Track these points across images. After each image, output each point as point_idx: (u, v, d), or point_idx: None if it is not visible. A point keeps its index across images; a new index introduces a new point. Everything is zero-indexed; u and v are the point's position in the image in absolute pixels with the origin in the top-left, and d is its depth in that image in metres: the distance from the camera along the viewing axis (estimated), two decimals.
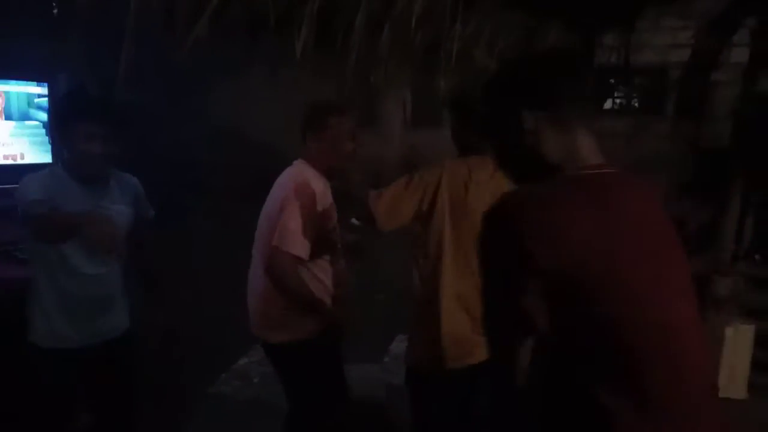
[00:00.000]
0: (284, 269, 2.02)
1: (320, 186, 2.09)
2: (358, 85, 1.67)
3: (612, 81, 8.13)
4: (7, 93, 2.69)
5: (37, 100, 2.82)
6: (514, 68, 1.25)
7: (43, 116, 2.84)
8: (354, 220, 2.23)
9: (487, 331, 1.27)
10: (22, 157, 2.77)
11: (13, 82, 2.71)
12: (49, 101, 2.80)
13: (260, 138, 3.94)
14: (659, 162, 3.32)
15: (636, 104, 8.50)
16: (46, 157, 2.83)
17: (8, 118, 2.71)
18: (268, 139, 3.58)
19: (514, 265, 1.11)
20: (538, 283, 1.08)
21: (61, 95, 1.91)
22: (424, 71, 1.82)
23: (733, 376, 2.09)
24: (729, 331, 2.06)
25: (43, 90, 2.79)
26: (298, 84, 1.66)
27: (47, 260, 1.87)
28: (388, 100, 2.67)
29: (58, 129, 1.86)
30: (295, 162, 2.17)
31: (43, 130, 2.84)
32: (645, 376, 1.08)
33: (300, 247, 2.01)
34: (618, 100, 8.32)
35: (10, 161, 2.73)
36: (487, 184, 2.34)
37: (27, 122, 2.79)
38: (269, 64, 1.64)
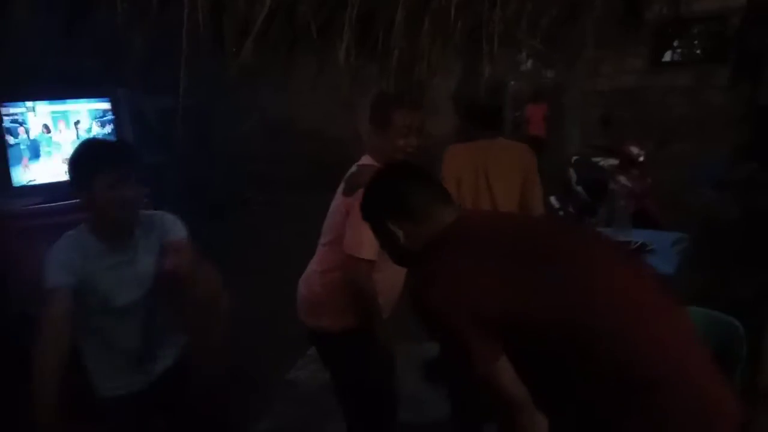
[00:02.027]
0: (361, 278, 2.04)
1: None
2: (402, 80, 1.69)
3: (667, 32, 7.77)
4: (77, 112, 2.85)
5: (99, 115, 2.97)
6: (373, 191, 1.54)
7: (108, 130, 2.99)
8: None
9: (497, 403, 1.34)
10: None
11: (82, 100, 2.87)
12: (114, 115, 2.95)
13: (312, 129, 4.02)
14: (719, 120, 3.18)
15: (698, 52, 8.11)
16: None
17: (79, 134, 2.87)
18: (320, 129, 3.64)
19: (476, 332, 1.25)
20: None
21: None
22: (468, 59, 1.82)
23: None
24: None
25: (105, 105, 2.94)
26: (344, 80, 1.70)
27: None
28: (433, 91, 2.67)
29: (77, 188, 1.74)
30: (362, 158, 2.19)
31: None
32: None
33: (372, 251, 2.01)
34: (678, 50, 7.95)
35: None
36: (501, 157, 2.56)
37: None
38: (316, 66, 1.68)
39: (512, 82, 9.40)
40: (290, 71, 2.02)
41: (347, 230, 2.07)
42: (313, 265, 2.30)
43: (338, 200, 2.19)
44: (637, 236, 3.34)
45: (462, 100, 2.61)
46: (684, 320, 1.32)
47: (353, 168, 2.16)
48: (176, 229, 1.91)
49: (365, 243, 2.00)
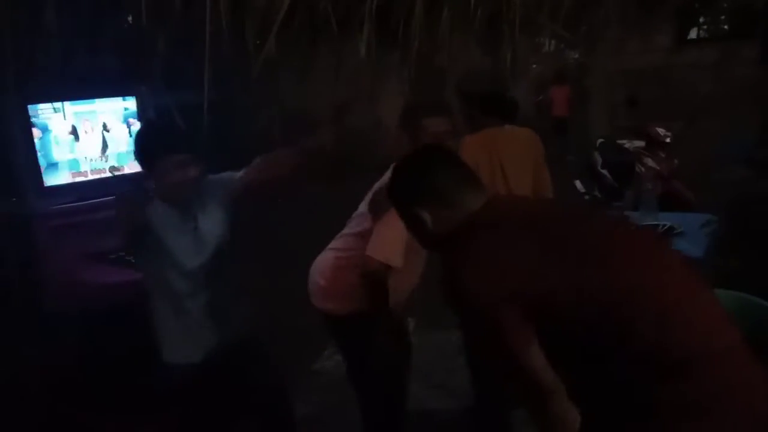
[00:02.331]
0: (376, 279, 2.07)
1: None
2: (423, 69, 1.69)
3: (693, 8, 7.59)
4: (102, 111, 2.89)
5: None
6: (400, 175, 1.55)
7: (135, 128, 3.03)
8: None
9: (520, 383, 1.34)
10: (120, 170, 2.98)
11: (107, 99, 2.91)
12: (139, 113, 2.99)
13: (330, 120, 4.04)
14: (747, 96, 3.11)
15: (725, 27, 7.92)
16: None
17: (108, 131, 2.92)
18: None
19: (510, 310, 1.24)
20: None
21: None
22: (488, 47, 1.81)
23: None
24: None
25: (131, 104, 2.98)
26: (365, 72, 1.70)
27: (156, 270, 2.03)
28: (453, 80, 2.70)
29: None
30: (392, 167, 2.20)
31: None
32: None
33: (395, 255, 2.05)
34: (704, 27, 7.77)
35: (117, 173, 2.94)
36: (512, 144, 2.61)
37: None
38: (335, 59, 1.69)
39: (534, 66, 9.29)
40: (311, 64, 2.03)
41: (374, 231, 2.09)
42: (329, 250, 2.35)
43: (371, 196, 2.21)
44: (665, 219, 3.29)
45: (466, 90, 2.62)
46: (715, 302, 1.31)
47: (382, 181, 2.17)
48: (224, 179, 2.16)
49: (389, 248, 2.05)
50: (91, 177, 2.85)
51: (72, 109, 2.77)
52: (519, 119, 2.88)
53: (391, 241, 2.10)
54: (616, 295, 1.23)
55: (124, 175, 2.98)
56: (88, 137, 2.84)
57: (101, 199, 2.79)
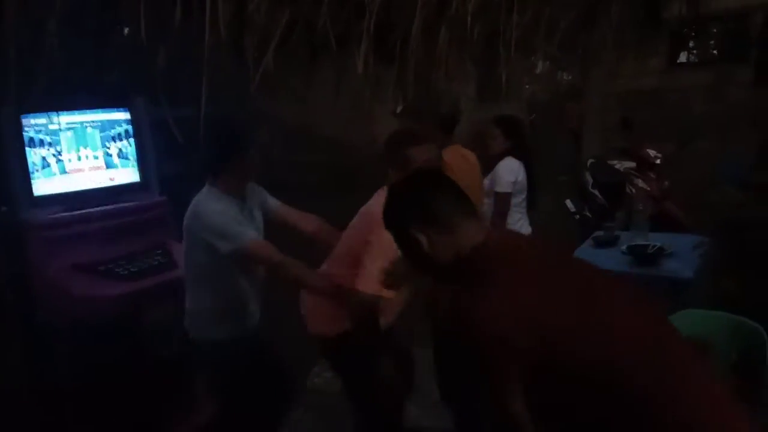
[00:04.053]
0: (367, 308, 2.12)
1: None
2: (420, 87, 1.70)
3: (685, 32, 7.71)
4: (97, 122, 2.88)
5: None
6: (397, 196, 1.54)
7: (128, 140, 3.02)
8: None
9: None
10: (109, 180, 2.96)
11: (102, 110, 2.90)
12: (133, 125, 2.98)
13: (330, 136, 4.06)
14: (741, 119, 3.15)
15: (715, 53, 8.03)
16: (134, 176, 3.03)
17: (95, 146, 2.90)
18: (334, 136, 3.67)
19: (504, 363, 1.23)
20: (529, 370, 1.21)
21: (213, 130, 2.23)
22: (485, 65, 1.83)
23: None
24: None
25: (124, 115, 2.98)
26: (362, 88, 1.71)
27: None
28: (451, 97, 2.79)
29: (223, 160, 2.27)
30: (378, 191, 2.23)
31: (128, 153, 3.02)
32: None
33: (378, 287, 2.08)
34: (694, 52, 7.88)
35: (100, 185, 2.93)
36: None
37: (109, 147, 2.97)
38: (333, 75, 1.71)
39: (527, 86, 9.38)
40: (309, 80, 2.06)
41: (367, 263, 2.11)
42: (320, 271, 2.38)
43: (362, 222, 2.22)
44: (655, 240, 3.31)
45: (416, 110, 2.79)
46: (703, 363, 1.31)
47: (374, 201, 2.22)
48: (262, 192, 2.53)
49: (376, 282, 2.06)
50: (82, 187, 2.83)
51: (66, 119, 2.75)
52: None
53: (380, 274, 2.13)
54: (623, 357, 1.21)
55: (117, 186, 2.97)
56: (81, 148, 2.83)
57: (93, 209, 2.79)
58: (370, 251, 2.10)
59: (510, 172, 3.33)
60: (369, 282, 2.08)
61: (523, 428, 1.25)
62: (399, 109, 2.84)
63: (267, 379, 2.60)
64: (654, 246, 3.19)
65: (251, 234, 2.26)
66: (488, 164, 3.38)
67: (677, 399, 1.18)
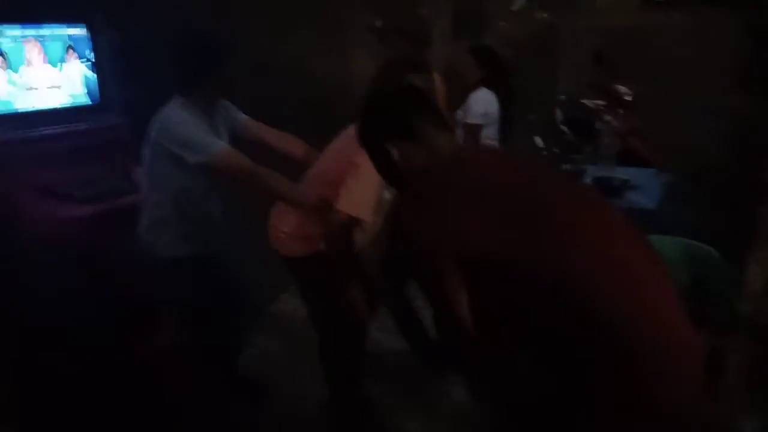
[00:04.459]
0: (343, 231, 2.15)
1: None
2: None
3: None
4: (43, 38, 2.72)
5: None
6: (372, 107, 1.55)
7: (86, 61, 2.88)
8: None
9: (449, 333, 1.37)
10: (67, 100, 2.84)
11: (55, 25, 2.74)
12: (92, 43, 2.83)
13: (302, 70, 3.98)
14: (718, 62, 3.15)
15: None
16: (93, 97, 2.90)
17: (52, 63, 2.76)
18: (310, 69, 3.59)
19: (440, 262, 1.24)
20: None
21: (184, 43, 2.25)
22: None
23: None
24: None
25: (81, 31, 2.82)
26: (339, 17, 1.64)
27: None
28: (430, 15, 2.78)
29: (194, 74, 2.20)
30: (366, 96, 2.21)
31: (83, 72, 2.88)
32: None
33: (367, 211, 2.13)
34: None
35: (57, 105, 2.80)
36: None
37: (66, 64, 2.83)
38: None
39: (502, 23, 9.20)
40: (283, 10, 1.99)
41: (351, 184, 2.09)
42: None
43: (347, 144, 2.19)
44: (620, 173, 3.35)
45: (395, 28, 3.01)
46: (653, 260, 1.32)
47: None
48: (234, 110, 2.47)
49: (361, 203, 2.11)
50: (37, 106, 2.71)
51: (15, 32, 2.60)
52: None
53: (363, 197, 2.12)
54: (562, 259, 1.22)
55: (74, 106, 2.86)
56: (33, 62, 2.69)
57: (48, 130, 2.68)
58: (355, 173, 2.09)
59: (481, 103, 3.29)
60: (351, 202, 2.08)
61: (467, 334, 1.28)
62: (378, 23, 2.79)
63: (229, 300, 2.59)
64: (619, 179, 3.22)
65: (220, 143, 2.20)
66: (464, 96, 3.34)
67: (626, 303, 1.21)
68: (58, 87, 2.78)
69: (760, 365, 1.99)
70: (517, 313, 1.25)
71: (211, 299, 2.44)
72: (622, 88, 4.57)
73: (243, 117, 2.51)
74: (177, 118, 2.18)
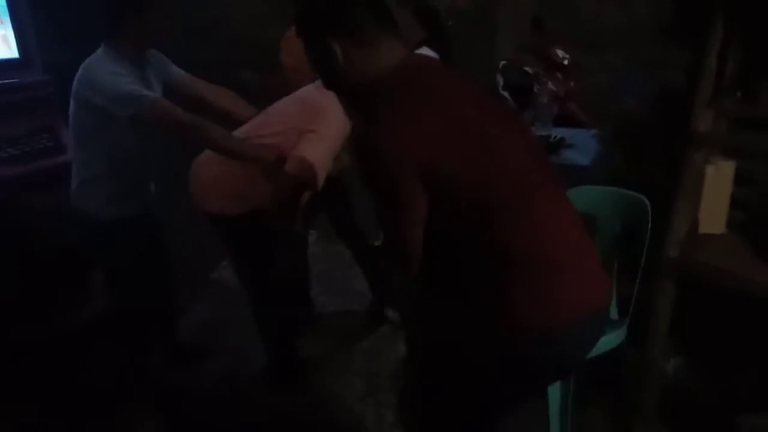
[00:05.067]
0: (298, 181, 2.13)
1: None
2: None
3: None
4: None
5: None
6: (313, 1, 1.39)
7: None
8: None
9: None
10: None
11: None
12: None
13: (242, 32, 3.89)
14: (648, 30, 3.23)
15: None
16: (11, 52, 2.73)
17: None
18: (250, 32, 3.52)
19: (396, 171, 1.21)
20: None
21: None
22: None
23: (712, 213, 2.14)
24: (709, 169, 2.08)
25: None
26: None
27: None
28: None
29: (118, 15, 2.05)
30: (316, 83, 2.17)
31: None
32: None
33: (325, 169, 2.16)
34: None
35: None
36: None
37: None
38: None
39: None
40: None
41: (313, 139, 2.07)
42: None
43: (304, 111, 2.16)
44: (557, 132, 3.42)
45: None
46: (563, 200, 1.37)
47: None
48: (169, 64, 2.34)
49: (324, 159, 2.11)
50: None
51: None
52: None
53: (326, 154, 2.10)
54: (492, 181, 1.25)
55: None
56: None
57: None
58: (314, 137, 2.07)
59: None
60: (317, 155, 2.08)
61: (415, 249, 1.30)
62: None
63: (164, 266, 2.52)
64: (555, 137, 3.29)
65: (152, 94, 2.07)
66: None
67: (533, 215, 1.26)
68: None
69: (682, 310, 2.09)
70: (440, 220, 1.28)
71: (145, 264, 2.36)
72: (560, 53, 4.65)
73: (177, 70, 2.35)
74: (103, 69, 2.02)
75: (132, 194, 2.29)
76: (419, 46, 3.33)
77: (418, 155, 1.20)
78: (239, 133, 2.23)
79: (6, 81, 2.66)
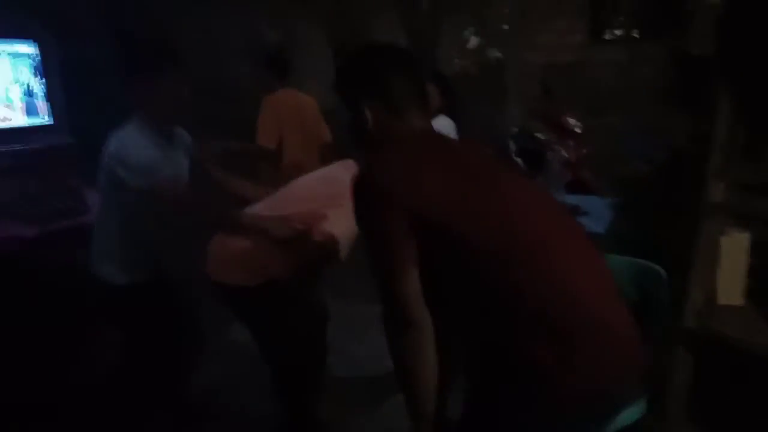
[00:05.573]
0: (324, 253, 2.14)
1: None
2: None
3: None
4: None
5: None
6: (355, 64, 1.47)
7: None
8: None
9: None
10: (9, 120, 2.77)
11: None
12: (42, 60, 2.79)
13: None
14: (650, 94, 3.30)
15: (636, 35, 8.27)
16: (36, 120, 2.84)
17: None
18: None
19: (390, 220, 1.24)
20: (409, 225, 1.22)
21: (126, 42, 2.30)
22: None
23: (730, 284, 2.12)
24: (725, 241, 2.08)
25: (32, 49, 2.78)
26: None
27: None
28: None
29: (139, 82, 2.08)
30: (341, 162, 2.31)
31: (34, 90, 2.82)
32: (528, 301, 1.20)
33: (349, 242, 2.13)
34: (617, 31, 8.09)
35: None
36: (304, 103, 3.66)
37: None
38: None
39: (456, 60, 9.46)
40: None
41: (340, 213, 2.05)
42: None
43: (330, 190, 2.18)
44: (571, 200, 3.45)
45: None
46: (608, 274, 1.35)
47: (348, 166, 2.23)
48: (188, 138, 2.40)
49: (349, 232, 2.06)
50: None
51: None
52: None
53: (351, 228, 2.11)
54: (515, 247, 1.23)
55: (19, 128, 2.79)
56: None
57: None
58: (340, 213, 2.08)
59: (443, 130, 3.35)
60: (344, 228, 2.07)
61: (410, 309, 1.28)
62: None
63: (177, 329, 2.49)
64: (570, 204, 3.31)
65: (167, 172, 2.12)
66: None
67: (565, 288, 1.23)
68: (8, 106, 2.72)
69: (700, 380, 2.05)
70: (450, 275, 1.27)
71: (158, 327, 2.35)
72: (572, 120, 4.73)
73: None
74: (129, 140, 2.09)
75: (145, 262, 2.31)
76: (438, 113, 3.41)
77: (418, 206, 1.23)
78: (257, 209, 2.27)
79: (34, 145, 2.74)
